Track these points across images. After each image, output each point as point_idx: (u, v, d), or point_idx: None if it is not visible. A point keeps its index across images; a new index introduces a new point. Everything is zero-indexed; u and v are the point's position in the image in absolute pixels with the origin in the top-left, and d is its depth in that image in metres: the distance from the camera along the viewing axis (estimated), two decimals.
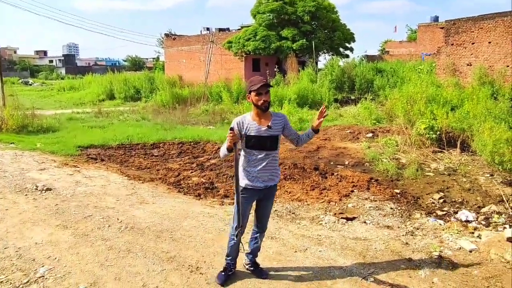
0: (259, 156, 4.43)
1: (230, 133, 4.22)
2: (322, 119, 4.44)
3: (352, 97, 26.22)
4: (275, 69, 30.91)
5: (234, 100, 24.29)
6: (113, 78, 34.72)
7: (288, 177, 8.93)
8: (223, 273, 4.86)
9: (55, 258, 5.26)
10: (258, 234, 4.87)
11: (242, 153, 4.50)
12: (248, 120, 4.44)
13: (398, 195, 7.92)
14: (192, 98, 25.63)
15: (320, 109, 4.47)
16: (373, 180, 8.73)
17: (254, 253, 4.99)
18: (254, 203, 4.73)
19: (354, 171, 9.26)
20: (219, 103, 24.53)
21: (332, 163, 10.08)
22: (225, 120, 18.37)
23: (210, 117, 19.64)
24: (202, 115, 20.62)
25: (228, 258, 4.90)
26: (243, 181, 4.50)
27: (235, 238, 4.70)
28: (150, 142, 13.08)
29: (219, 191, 8.30)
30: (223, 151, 4.41)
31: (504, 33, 19.54)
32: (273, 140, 4.43)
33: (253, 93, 4.34)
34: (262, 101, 4.32)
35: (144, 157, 11.20)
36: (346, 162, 10.07)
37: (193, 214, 6.86)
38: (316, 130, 4.55)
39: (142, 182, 8.79)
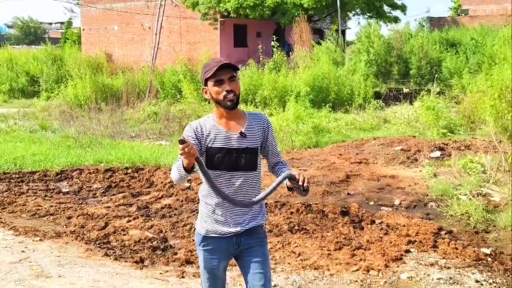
0: (229, 182, 2.99)
1: (182, 147, 2.62)
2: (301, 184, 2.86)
3: (406, 90, 17.80)
4: (272, 43, 19.49)
5: (203, 96, 17.20)
6: None
7: (296, 227, 5.67)
8: None
9: None
10: None
11: (202, 177, 2.99)
12: (209, 125, 3.02)
13: (489, 258, 4.92)
14: (130, 92, 17.35)
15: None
16: (443, 233, 5.56)
17: None
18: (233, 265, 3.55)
19: (410, 216, 6.00)
20: (177, 101, 16.98)
21: (372, 203, 6.65)
22: None
23: (161, 125, 13.31)
24: (147, 122, 14.33)
25: None
26: (202, 226, 3.06)
27: None
28: (55, 170, 8.33)
29: (176, 253, 5.25)
30: (176, 171, 2.86)
31: None
32: (250, 154, 3.01)
33: (210, 83, 2.95)
34: (225, 92, 2.90)
35: (45, 196, 7.13)
36: (397, 202, 6.65)
37: None
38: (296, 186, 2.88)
39: (41, 240, 5.36)
